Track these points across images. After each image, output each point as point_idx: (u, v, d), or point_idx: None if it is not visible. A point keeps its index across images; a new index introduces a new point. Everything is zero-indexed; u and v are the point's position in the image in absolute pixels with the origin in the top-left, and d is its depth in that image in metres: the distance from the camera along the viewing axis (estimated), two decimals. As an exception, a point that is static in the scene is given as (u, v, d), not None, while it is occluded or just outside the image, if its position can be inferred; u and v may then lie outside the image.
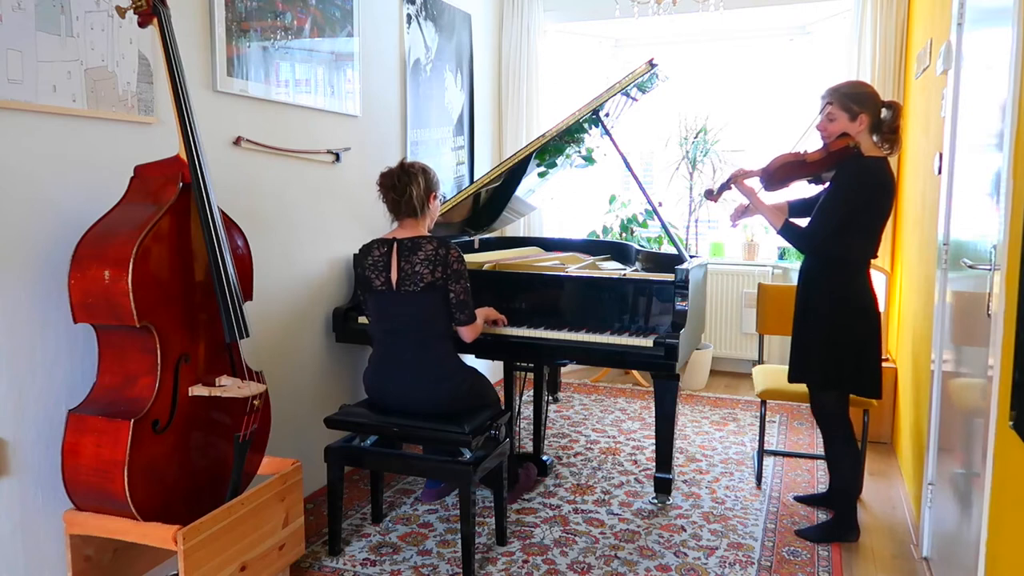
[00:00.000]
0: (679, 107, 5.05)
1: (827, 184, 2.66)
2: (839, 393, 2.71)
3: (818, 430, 3.56)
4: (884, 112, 2.57)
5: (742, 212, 2.85)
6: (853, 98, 2.55)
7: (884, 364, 3.78)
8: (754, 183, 2.76)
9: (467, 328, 2.64)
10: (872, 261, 2.66)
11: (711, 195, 2.86)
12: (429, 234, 2.62)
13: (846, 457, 2.75)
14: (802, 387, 2.87)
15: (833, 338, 2.62)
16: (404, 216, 2.60)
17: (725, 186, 2.81)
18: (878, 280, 3.94)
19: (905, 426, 3.41)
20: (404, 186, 2.55)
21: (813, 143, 2.65)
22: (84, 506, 2.03)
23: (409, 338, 2.57)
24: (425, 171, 2.61)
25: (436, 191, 2.65)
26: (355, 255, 2.67)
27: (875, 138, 2.58)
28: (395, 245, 2.56)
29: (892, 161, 4.03)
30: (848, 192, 2.53)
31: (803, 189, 2.84)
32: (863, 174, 2.53)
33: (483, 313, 2.84)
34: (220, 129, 2.65)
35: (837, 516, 2.81)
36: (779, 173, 2.65)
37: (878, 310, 2.64)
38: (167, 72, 2.09)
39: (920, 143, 3.45)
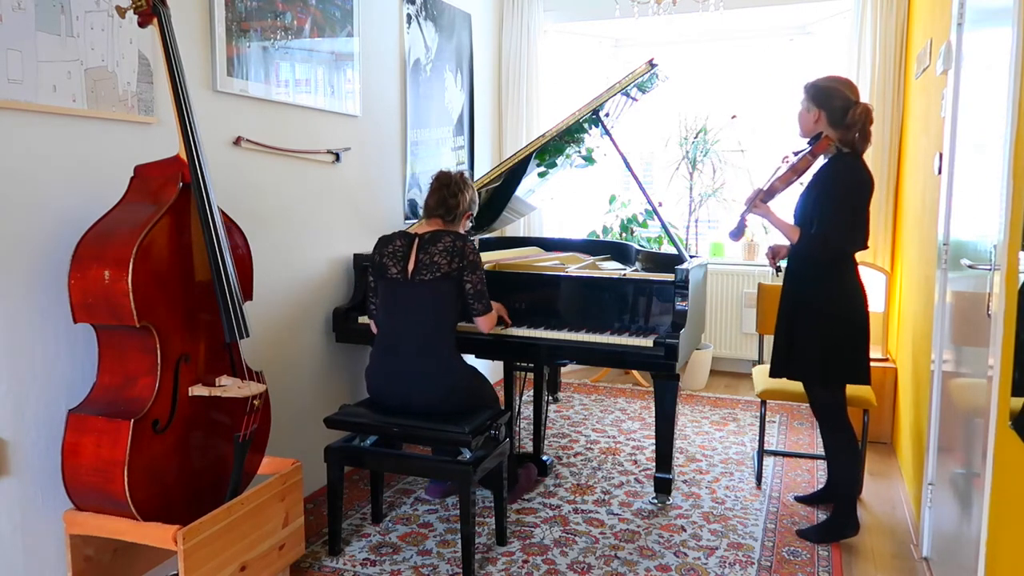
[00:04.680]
0: (679, 107, 5.04)
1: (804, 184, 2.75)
2: (838, 384, 2.74)
3: (816, 429, 3.56)
4: (857, 112, 2.59)
5: (775, 252, 2.92)
6: (810, 90, 2.68)
7: (884, 364, 3.82)
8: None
9: (484, 318, 2.72)
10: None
11: (737, 235, 2.85)
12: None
13: (846, 448, 2.76)
14: (801, 387, 2.89)
15: (832, 333, 2.65)
16: (436, 216, 2.71)
17: (743, 219, 2.83)
18: (878, 280, 3.95)
19: (905, 426, 3.41)
20: (458, 190, 2.71)
21: (799, 147, 2.76)
22: (84, 506, 2.03)
23: (415, 329, 2.59)
24: (474, 190, 2.81)
25: (472, 212, 2.80)
26: (376, 242, 2.71)
27: (840, 134, 2.62)
28: (416, 240, 2.64)
29: (892, 160, 4.08)
30: (844, 189, 2.59)
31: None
32: (853, 170, 2.60)
33: (497, 306, 2.88)
34: (220, 129, 2.65)
35: (836, 511, 2.82)
36: (780, 186, 2.74)
37: (866, 300, 2.69)
38: (167, 72, 2.09)
39: (920, 143, 3.45)
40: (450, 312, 2.62)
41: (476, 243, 3.97)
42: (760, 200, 2.73)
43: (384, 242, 2.69)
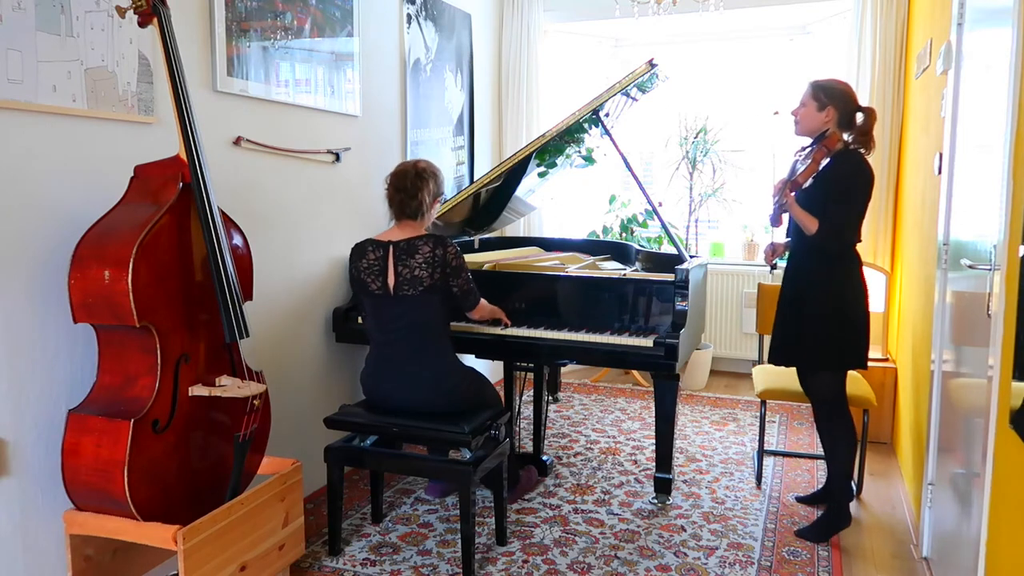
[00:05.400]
0: (679, 107, 5.04)
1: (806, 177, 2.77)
2: (844, 370, 2.76)
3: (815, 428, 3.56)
4: (859, 115, 2.67)
5: (774, 249, 2.97)
6: (823, 89, 2.69)
7: (884, 364, 3.82)
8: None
9: (475, 311, 2.75)
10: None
11: (776, 222, 2.86)
12: (425, 233, 2.61)
13: (845, 437, 2.77)
14: (800, 387, 2.90)
15: (843, 322, 2.68)
16: (405, 217, 2.61)
17: (779, 208, 2.82)
18: (878, 280, 3.95)
19: (905, 426, 3.41)
20: (416, 190, 2.57)
21: (803, 143, 2.79)
22: (84, 506, 2.03)
23: (406, 340, 2.56)
24: (436, 176, 2.64)
25: (441, 196, 2.70)
26: (350, 252, 2.65)
27: (847, 136, 2.69)
28: (391, 248, 2.55)
29: (892, 160, 4.08)
30: (852, 184, 2.63)
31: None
32: (859, 165, 2.64)
33: (494, 308, 2.88)
34: (220, 129, 2.65)
35: (834, 506, 2.82)
36: (802, 180, 2.74)
37: (867, 291, 2.73)
38: (167, 72, 2.09)
39: (920, 143, 3.45)
40: (440, 318, 2.58)
41: (476, 242, 3.99)
42: (788, 191, 2.76)
43: (357, 255, 2.57)
